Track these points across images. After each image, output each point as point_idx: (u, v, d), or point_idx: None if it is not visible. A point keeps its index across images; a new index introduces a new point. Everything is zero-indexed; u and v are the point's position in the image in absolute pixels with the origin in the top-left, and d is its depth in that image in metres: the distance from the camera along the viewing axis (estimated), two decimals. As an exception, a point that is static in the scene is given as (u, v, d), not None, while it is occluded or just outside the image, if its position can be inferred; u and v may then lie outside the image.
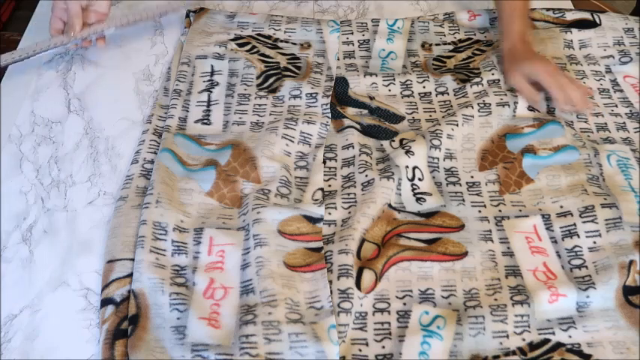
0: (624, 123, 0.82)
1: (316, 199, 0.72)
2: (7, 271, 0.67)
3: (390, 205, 0.72)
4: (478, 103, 0.81)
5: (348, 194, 0.73)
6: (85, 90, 0.85)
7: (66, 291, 0.65)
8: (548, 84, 0.79)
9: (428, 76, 0.87)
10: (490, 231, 0.70)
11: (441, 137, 0.78)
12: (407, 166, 0.75)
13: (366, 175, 0.74)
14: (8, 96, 0.84)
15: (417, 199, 0.73)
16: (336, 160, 0.77)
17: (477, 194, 0.74)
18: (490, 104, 0.81)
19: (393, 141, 0.79)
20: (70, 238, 0.70)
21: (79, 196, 0.73)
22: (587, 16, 0.95)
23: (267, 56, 0.88)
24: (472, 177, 0.76)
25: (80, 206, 0.72)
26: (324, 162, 0.77)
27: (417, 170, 0.75)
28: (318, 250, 0.68)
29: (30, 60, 0.85)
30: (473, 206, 0.72)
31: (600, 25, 0.94)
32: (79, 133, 0.80)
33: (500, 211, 0.72)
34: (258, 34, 0.91)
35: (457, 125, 0.79)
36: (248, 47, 0.89)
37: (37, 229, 0.70)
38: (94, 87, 0.86)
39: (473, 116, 0.80)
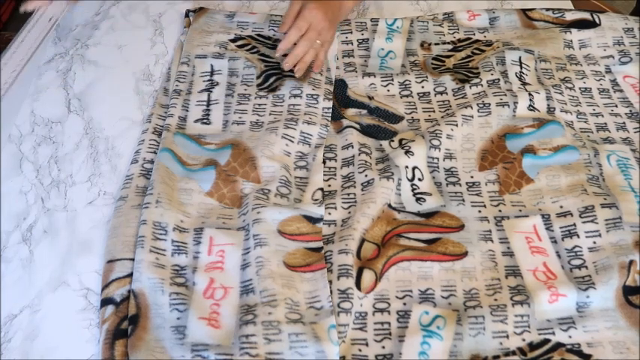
0: (624, 123, 0.82)
1: (316, 199, 0.72)
2: (7, 271, 0.67)
3: (389, 206, 0.72)
4: (477, 104, 0.81)
5: (348, 194, 0.73)
6: (85, 90, 0.85)
7: (66, 291, 0.65)
8: (294, 26, 0.77)
9: (427, 76, 0.87)
10: (490, 231, 0.70)
11: (440, 137, 0.78)
12: (407, 166, 0.75)
13: (366, 175, 0.74)
14: (8, 96, 0.83)
15: (417, 199, 0.73)
16: (335, 160, 0.77)
17: (477, 194, 0.74)
18: (490, 104, 0.81)
19: (392, 141, 0.79)
20: (70, 238, 0.69)
21: (79, 196, 0.73)
22: (586, 16, 0.95)
23: (268, 56, 0.88)
24: (472, 177, 0.76)
25: (80, 206, 0.72)
26: (324, 162, 0.77)
27: (416, 170, 0.75)
28: (318, 250, 0.68)
29: (30, 60, 0.85)
30: (473, 206, 0.72)
31: (600, 25, 0.94)
32: (79, 133, 0.80)
33: (500, 211, 0.72)
34: (258, 35, 0.91)
35: (456, 125, 0.79)
36: (248, 47, 0.89)
37: (37, 229, 0.70)
38: (94, 87, 0.86)
39: (472, 116, 0.80)
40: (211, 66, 0.86)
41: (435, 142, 0.77)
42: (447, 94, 0.85)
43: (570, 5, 1.00)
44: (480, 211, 0.72)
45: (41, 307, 0.64)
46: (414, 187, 0.74)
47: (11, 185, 0.74)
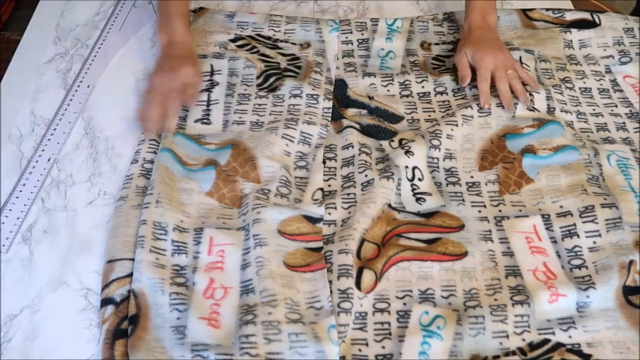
0: (624, 123, 0.82)
1: (316, 199, 0.72)
2: (7, 271, 0.66)
3: (389, 206, 0.72)
4: (477, 104, 0.81)
5: (348, 194, 0.73)
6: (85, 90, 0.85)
7: (66, 291, 0.65)
8: (479, 78, 0.82)
9: (427, 76, 0.87)
10: (490, 231, 0.70)
11: (440, 137, 0.77)
12: (407, 166, 0.75)
13: (366, 175, 0.74)
14: (8, 96, 0.84)
15: (417, 199, 0.73)
16: (335, 160, 0.77)
17: (477, 194, 0.74)
18: (490, 105, 0.81)
19: (392, 141, 0.79)
20: (70, 238, 0.69)
21: (79, 196, 0.73)
22: (586, 16, 0.95)
23: (268, 56, 0.88)
24: (472, 177, 0.75)
25: (80, 206, 0.72)
26: (324, 162, 0.76)
27: (416, 170, 0.75)
28: (318, 250, 0.68)
29: (30, 60, 0.85)
30: (473, 206, 0.72)
31: (600, 25, 0.94)
32: (79, 133, 0.80)
33: (500, 211, 0.72)
34: (258, 35, 0.91)
35: (457, 125, 0.79)
36: (248, 47, 0.89)
37: (37, 229, 0.70)
38: (94, 87, 0.85)
39: (472, 117, 0.80)
40: (211, 66, 0.86)
41: (435, 142, 0.77)
42: (447, 94, 0.85)
43: (570, 5, 0.99)
44: (480, 211, 0.72)
45: (41, 307, 0.64)
46: (414, 187, 0.74)
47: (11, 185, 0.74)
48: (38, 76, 0.86)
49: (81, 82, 0.85)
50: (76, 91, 0.84)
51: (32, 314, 0.63)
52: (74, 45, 0.91)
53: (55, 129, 0.79)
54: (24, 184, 0.73)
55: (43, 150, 0.77)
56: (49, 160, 0.76)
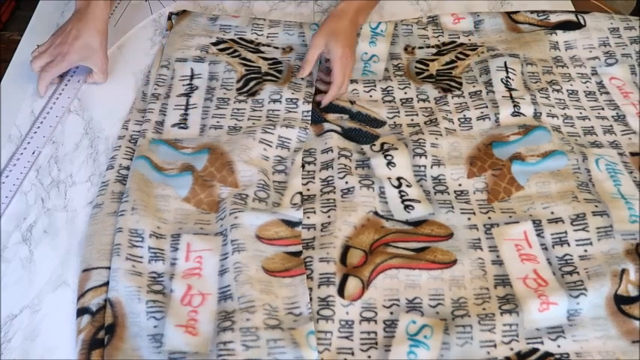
0: (611, 126, 0.81)
1: (295, 203, 0.71)
2: (7, 271, 0.66)
3: (377, 213, 0.71)
4: (459, 118, 0.81)
5: (328, 200, 0.72)
6: (85, 90, 0.85)
7: (66, 291, 0.65)
8: (335, 69, 0.80)
9: (409, 84, 0.86)
10: (479, 239, 0.69)
11: (424, 146, 0.76)
12: (389, 178, 0.74)
13: (347, 182, 0.73)
14: (8, 96, 0.84)
15: (406, 207, 0.72)
16: (314, 164, 0.76)
17: (466, 202, 0.73)
18: (471, 119, 0.81)
19: (374, 145, 0.78)
20: (70, 238, 0.69)
21: (79, 196, 0.73)
22: (571, 17, 0.94)
23: (249, 60, 0.87)
24: (460, 185, 0.74)
25: (80, 206, 0.72)
26: (303, 166, 0.76)
27: (402, 180, 0.74)
28: (297, 254, 0.67)
29: (30, 60, 0.86)
30: (462, 213, 0.71)
31: (585, 26, 0.93)
32: (79, 133, 0.80)
33: (489, 218, 0.71)
34: (240, 38, 0.90)
35: (441, 135, 0.78)
36: (229, 51, 0.88)
37: (37, 229, 0.70)
38: (94, 87, 0.85)
39: (455, 130, 0.79)
40: (191, 70, 0.85)
41: (419, 151, 0.76)
42: (429, 101, 0.84)
43: (570, 6, 0.98)
44: (469, 219, 0.71)
45: (41, 307, 0.64)
46: (403, 193, 0.73)
47: (11, 185, 0.74)
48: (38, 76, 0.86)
49: (71, 76, 0.86)
50: (66, 85, 0.85)
51: (32, 314, 0.63)
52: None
53: (42, 122, 0.80)
54: (3, 182, 0.74)
55: (28, 142, 0.78)
56: (33, 153, 0.77)
